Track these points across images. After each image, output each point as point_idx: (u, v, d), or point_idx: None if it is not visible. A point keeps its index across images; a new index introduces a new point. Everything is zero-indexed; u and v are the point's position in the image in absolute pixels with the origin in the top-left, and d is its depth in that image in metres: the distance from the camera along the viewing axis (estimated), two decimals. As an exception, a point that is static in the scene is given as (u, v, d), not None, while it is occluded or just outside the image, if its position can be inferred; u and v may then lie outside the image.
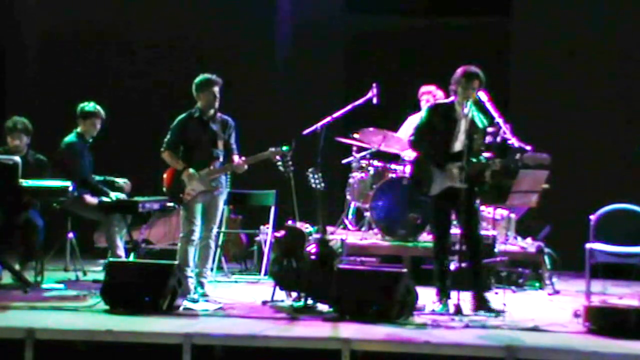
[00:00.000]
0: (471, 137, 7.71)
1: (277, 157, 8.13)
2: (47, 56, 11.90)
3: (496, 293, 8.47)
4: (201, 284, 8.22)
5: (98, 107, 9.15)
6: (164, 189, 8.39)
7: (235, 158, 8.30)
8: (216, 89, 8.24)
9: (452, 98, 7.85)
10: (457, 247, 8.61)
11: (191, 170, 8.20)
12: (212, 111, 8.29)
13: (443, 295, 7.77)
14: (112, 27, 11.84)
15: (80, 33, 11.81)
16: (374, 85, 9.52)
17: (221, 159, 8.31)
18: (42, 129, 9.24)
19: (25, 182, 8.30)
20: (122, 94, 11.39)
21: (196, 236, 8.22)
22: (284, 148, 8.12)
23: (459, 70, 7.76)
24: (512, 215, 9.81)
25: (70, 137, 9.11)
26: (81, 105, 9.16)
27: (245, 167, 8.27)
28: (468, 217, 7.69)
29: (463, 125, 7.72)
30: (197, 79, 8.29)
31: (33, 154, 8.98)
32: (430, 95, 10.03)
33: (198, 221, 8.24)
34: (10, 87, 11.94)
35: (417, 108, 10.22)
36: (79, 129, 9.14)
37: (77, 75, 11.61)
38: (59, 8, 11.88)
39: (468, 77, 7.71)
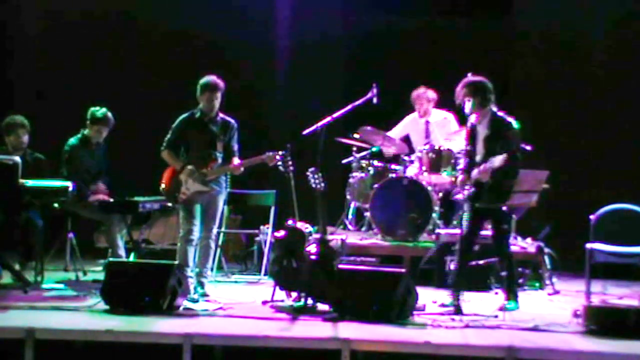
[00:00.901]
0: (485, 143, 7.84)
1: (277, 158, 8.11)
2: (47, 52, 11.91)
3: (496, 293, 8.49)
4: (201, 284, 8.21)
5: (108, 115, 9.09)
6: (161, 189, 8.38)
7: (235, 160, 8.29)
8: (219, 93, 8.22)
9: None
10: (457, 247, 8.66)
11: (190, 166, 8.21)
12: (213, 113, 8.29)
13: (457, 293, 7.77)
14: (113, 26, 11.84)
15: (80, 30, 11.81)
16: (374, 85, 9.52)
17: (219, 161, 8.30)
18: (43, 128, 9.24)
19: (25, 182, 8.30)
20: (122, 93, 11.38)
21: (195, 236, 8.22)
22: (280, 152, 8.11)
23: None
24: (512, 215, 9.79)
25: (72, 139, 9.08)
26: (92, 109, 9.11)
27: (242, 169, 8.27)
28: (493, 224, 7.98)
29: (481, 135, 7.87)
30: (202, 81, 8.25)
31: (31, 153, 8.98)
32: (422, 99, 10.06)
33: (197, 221, 8.23)
34: (13, 84, 11.97)
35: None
36: (86, 131, 9.13)
37: (78, 73, 11.61)
38: (60, 5, 11.90)
39: (460, 91, 7.93)
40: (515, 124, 7.90)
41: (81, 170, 9.03)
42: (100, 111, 9.08)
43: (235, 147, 8.36)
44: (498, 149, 7.69)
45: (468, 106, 7.90)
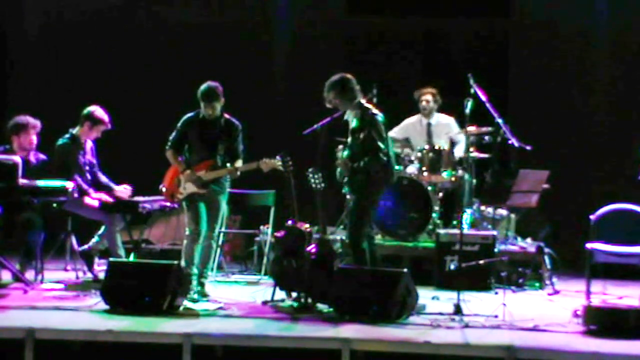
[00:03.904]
0: (351, 135, 8.04)
1: (277, 158, 8.10)
2: (47, 51, 11.91)
3: (496, 293, 8.49)
4: (201, 284, 8.21)
5: (106, 115, 9.10)
6: (161, 188, 8.37)
7: (239, 162, 8.27)
8: (215, 103, 8.15)
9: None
10: (457, 247, 8.68)
11: (188, 170, 8.21)
12: (213, 117, 8.25)
13: None
14: (113, 26, 11.85)
15: (80, 28, 11.81)
16: (374, 85, 9.52)
17: (219, 162, 8.29)
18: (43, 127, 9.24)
19: (25, 182, 8.30)
20: (122, 92, 11.38)
21: (201, 235, 8.21)
22: (277, 157, 8.10)
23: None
24: (512, 215, 9.81)
25: (62, 139, 9.04)
26: (91, 109, 9.08)
27: (238, 173, 8.26)
28: None
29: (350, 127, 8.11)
30: (202, 89, 8.16)
31: (36, 154, 8.97)
32: (429, 96, 10.06)
33: (203, 220, 8.22)
34: (12, 84, 11.97)
35: (416, 108, 10.25)
36: (75, 131, 9.08)
37: (78, 72, 11.61)
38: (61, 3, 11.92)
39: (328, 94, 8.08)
40: (379, 117, 7.94)
41: (80, 169, 9.03)
42: (99, 111, 9.06)
43: (240, 148, 8.34)
44: (361, 140, 7.82)
45: (469, 106, 7.91)
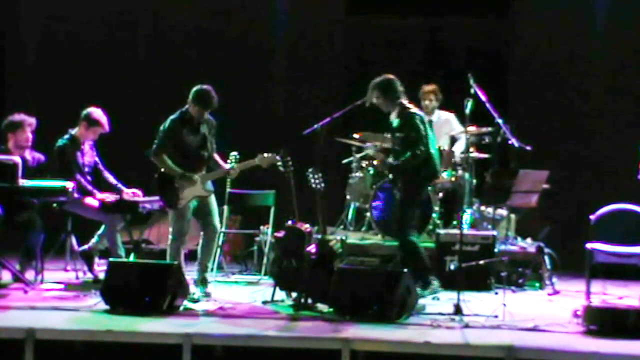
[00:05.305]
0: (393, 133, 8.39)
1: (277, 158, 8.10)
2: (47, 52, 11.91)
3: (496, 293, 8.49)
4: (204, 281, 8.20)
5: (105, 118, 9.09)
6: (157, 190, 8.35)
7: (217, 157, 8.26)
8: (209, 110, 8.17)
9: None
10: (457, 247, 8.67)
11: (195, 176, 8.15)
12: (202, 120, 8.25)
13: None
14: (113, 27, 11.86)
15: (80, 28, 11.82)
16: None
17: (208, 160, 8.30)
18: (40, 127, 9.24)
19: (25, 182, 8.30)
20: (121, 93, 11.39)
21: (186, 235, 8.20)
22: (277, 155, 8.09)
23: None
24: (512, 215, 9.81)
25: (61, 140, 9.04)
26: (89, 110, 9.08)
27: (238, 171, 8.26)
28: None
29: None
30: (201, 94, 8.11)
31: (32, 153, 8.97)
32: (432, 94, 10.06)
33: (189, 222, 8.20)
34: (9, 84, 11.97)
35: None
36: (74, 131, 9.08)
37: (77, 71, 11.62)
38: (60, 3, 11.91)
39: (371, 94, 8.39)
40: (418, 115, 8.18)
41: (80, 169, 9.03)
42: (98, 112, 9.06)
43: (214, 144, 8.33)
44: (400, 138, 8.15)
45: (469, 106, 7.94)
